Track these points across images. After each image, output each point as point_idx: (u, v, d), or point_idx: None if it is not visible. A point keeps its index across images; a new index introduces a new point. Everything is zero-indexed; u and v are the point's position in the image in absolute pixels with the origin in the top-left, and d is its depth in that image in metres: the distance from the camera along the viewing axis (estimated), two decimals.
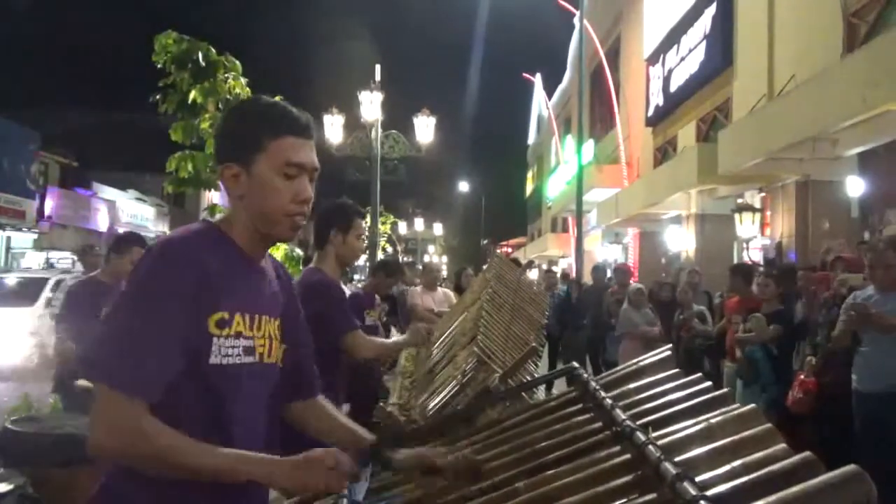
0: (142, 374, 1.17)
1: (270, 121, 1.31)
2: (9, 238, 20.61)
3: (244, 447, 1.23)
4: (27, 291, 10.65)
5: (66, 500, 2.43)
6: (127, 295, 1.22)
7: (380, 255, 12.64)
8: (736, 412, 1.20)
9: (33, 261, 20.63)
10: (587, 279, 10.39)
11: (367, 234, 3.07)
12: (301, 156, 1.32)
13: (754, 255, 9.13)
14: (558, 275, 13.11)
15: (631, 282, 7.97)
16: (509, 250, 36.11)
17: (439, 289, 6.64)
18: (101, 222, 24.12)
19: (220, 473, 1.18)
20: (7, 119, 19.55)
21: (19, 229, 20.47)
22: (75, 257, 20.77)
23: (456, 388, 2.10)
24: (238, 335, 1.28)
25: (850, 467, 0.91)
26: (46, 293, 10.44)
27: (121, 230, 18.41)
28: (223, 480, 1.19)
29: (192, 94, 6.67)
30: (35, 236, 21.28)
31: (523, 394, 2.00)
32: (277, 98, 1.45)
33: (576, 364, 1.86)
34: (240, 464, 1.19)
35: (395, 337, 3.35)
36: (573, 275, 12.61)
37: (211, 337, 1.23)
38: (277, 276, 1.45)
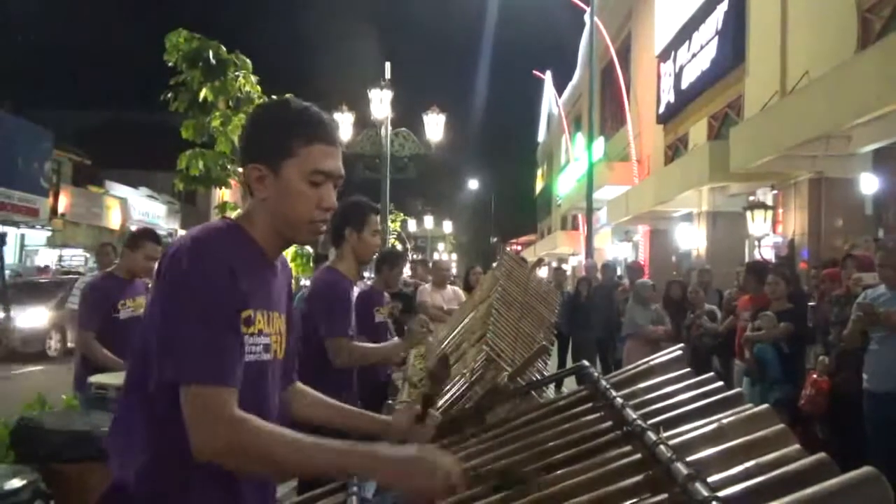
0: (227, 363, 1.17)
1: (303, 127, 1.30)
2: (22, 235, 20.81)
3: None
4: None
5: (79, 496, 2.45)
6: (179, 293, 1.19)
7: None
8: (748, 412, 1.19)
9: (46, 258, 20.83)
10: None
11: (380, 229, 3.03)
12: (329, 164, 1.32)
13: (766, 253, 9.06)
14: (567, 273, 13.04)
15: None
16: (519, 248, 36.04)
17: (449, 286, 6.63)
18: (114, 220, 24.32)
19: (323, 469, 1.19)
20: (21, 118, 19.74)
21: (33, 227, 20.67)
22: (88, 255, 20.99)
23: (465, 387, 2.09)
24: (260, 333, 1.29)
25: (867, 469, 0.90)
26: None
27: (133, 227, 18.56)
28: (322, 476, 1.23)
29: (203, 92, 6.70)
30: (48, 234, 21.48)
31: (533, 392, 1.99)
32: (288, 97, 1.45)
33: (586, 363, 1.85)
34: (342, 458, 1.17)
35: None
36: (584, 273, 12.56)
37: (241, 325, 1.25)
38: (282, 269, 1.46)
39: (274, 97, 1.45)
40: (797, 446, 1.04)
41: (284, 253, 1.46)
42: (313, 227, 1.33)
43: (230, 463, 1.16)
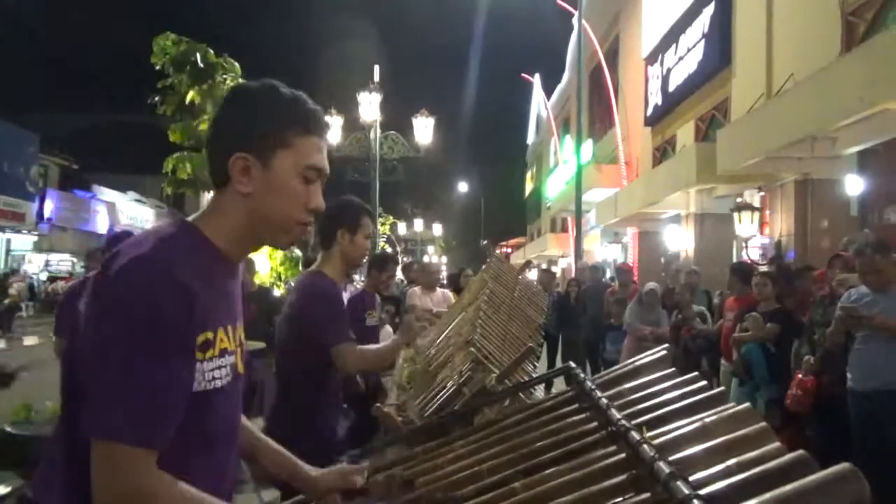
0: (153, 420, 1.00)
1: (300, 116, 1.19)
2: (9, 240, 20.63)
3: (223, 473, 1.16)
4: None
5: None
6: (112, 330, 1.00)
7: None
8: (731, 411, 1.20)
9: (33, 263, 20.64)
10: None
11: (371, 232, 2.93)
12: (322, 160, 1.21)
13: (753, 254, 9.14)
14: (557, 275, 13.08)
15: (635, 280, 7.97)
16: (509, 250, 36.12)
17: (438, 289, 6.63)
18: (101, 224, 24.14)
19: None
20: (6, 122, 19.57)
21: (19, 231, 20.49)
22: (75, 259, 20.81)
23: (453, 389, 2.10)
24: (223, 353, 1.14)
25: (844, 465, 0.91)
26: None
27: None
28: None
29: (191, 96, 6.69)
30: (35, 238, 21.31)
31: (520, 394, 2.00)
32: (274, 81, 1.28)
33: (572, 364, 1.86)
34: None
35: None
36: (573, 274, 12.62)
37: (195, 363, 1.08)
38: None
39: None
40: (778, 444, 1.05)
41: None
42: (298, 230, 1.21)
43: None
